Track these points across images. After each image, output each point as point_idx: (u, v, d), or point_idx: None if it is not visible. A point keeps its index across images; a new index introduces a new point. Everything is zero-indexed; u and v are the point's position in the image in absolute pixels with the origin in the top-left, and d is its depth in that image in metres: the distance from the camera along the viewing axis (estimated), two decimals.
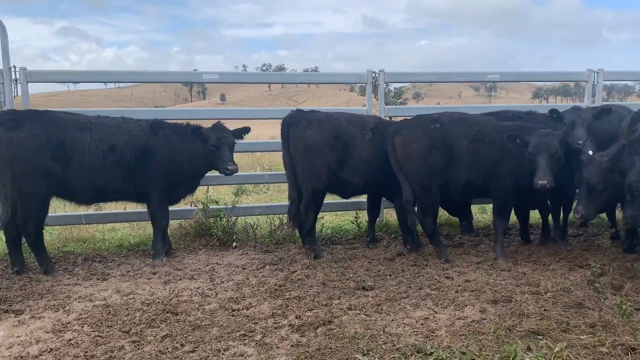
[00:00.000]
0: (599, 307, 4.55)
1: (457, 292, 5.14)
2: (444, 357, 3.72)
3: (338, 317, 4.50)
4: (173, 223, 7.24)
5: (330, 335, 4.13)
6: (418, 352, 3.83)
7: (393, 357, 3.78)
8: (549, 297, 4.88)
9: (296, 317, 4.52)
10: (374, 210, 7.16)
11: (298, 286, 5.34)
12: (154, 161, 6.11)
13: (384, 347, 3.92)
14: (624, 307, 4.09)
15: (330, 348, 3.91)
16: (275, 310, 4.70)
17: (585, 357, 3.72)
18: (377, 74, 7.67)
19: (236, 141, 6.55)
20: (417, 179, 6.02)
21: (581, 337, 4.00)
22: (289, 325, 4.38)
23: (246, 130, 6.72)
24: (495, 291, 5.11)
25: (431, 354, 3.78)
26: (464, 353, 3.79)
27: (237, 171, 6.47)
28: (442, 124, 6.03)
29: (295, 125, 6.29)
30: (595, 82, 8.08)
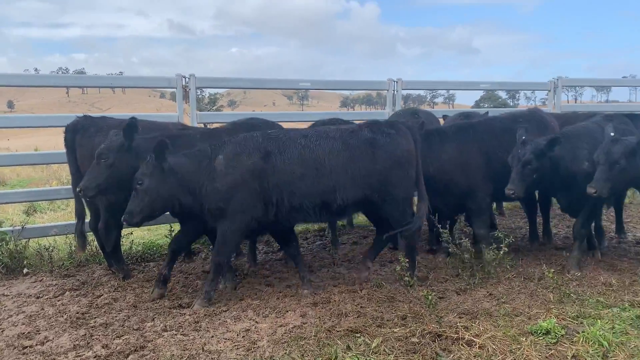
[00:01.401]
0: (408, 300, 4.81)
1: (278, 299, 5.06)
2: None
3: (152, 340, 4.10)
4: None
5: None
6: None
7: None
8: (364, 295, 5.05)
9: (103, 347, 4.01)
10: None
11: (105, 312, 4.79)
12: None
13: None
14: (429, 297, 4.37)
15: None
16: (77, 342, 4.13)
17: (399, 349, 3.87)
18: (187, 79, 7.30)
19: (26, 153, 5.67)
20: None
21: (394, 330, 4.18)
22: (95, 357, 3.86)
23: None
24: (315, 293, 5.14)
25: None
26: None
27: None
28: None
29: (82, 133, 5.65)
30: (395, 91, 8.74)
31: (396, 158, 5.12)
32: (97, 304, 5.00)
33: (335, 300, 4.90)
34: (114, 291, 5.34)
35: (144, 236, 7.85)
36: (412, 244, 5.46)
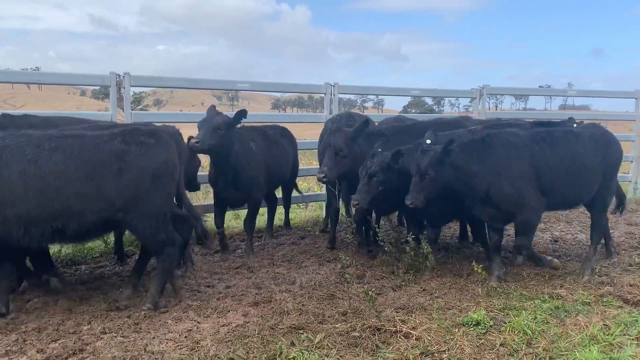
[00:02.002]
0: (348, 296, 4.96)
1: (219, 299, 5.06)
2: None
3: (90, 343, 4.00)
4: None
5: None
6: None
7: None
8: (305, 293, 5.16)
9: (38, 351, 3.86)
10: None
11: (36, 317, 4.60)
12: None
13: None
14: (369, 293, 4.54)
15: None
16: (9, 348, 3.95)
17: (341, 343, 4.00)
18: (122, 77, 7.13)
19: None
20: None
21: (336, 325, 4.31)
22: None
23: None
24: (256, 294, 5.20)
25: None
26: (231, 358, 3.73)
27: None
28: None
29: None
30: (332, 95, 8.92)
31: (150, 171, 4.55)
32: (26, 309, 4.79)
33: (276, 300, 4.98)
34: (44, 296, 5.13)
35: None
36: (167, 267, 4.84)
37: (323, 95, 9.01)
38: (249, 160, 6.51)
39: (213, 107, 6.43)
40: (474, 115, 10.50)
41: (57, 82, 8.00)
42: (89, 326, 4.36)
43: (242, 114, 6.24)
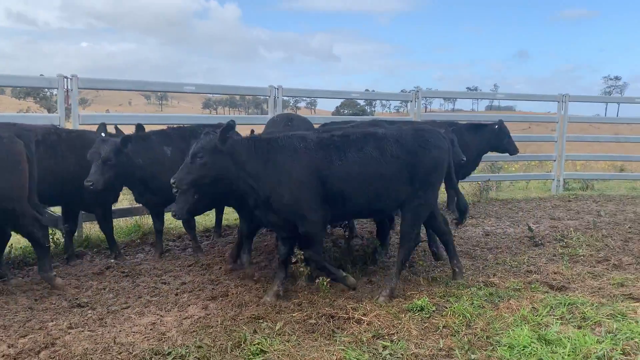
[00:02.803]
0: (301, 289, 5.30)
1: (177, 295, 5.28)
2: (183, 353, 3.85)
3: (60, 337, 4.14)
4: None
5: (58, 356, 3.79)
6: (156, 354, 3.86)
7: None
8: (260, 287, 5.45)
9: (9, 346, 3.97)
10: (69, 224, 6.63)
11: None
12: None
13: (119, 357, 3.81)
14: (324, 283, 4.89)
15: None
16: None
17: (300, 330, 4.34)
18: (69, 79, 7.16)
19: None
20: None
21: (293, 314, 4.64)
22: (3, 356, 3.83)
23: None
24: (213, 288, 5.44)
25: (169, 353, 3.86)
26: (199, 347, 3.99)
27: None
28: None
29: None
30: (276, 97, 9.23)
31: None
32: None
33: (233, 293, 5.24)
34: (3, 295, 5.16)
35: (20, 240, 7.47)
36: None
37: (267, 97, 9.35)
38: (159, 169, 6.31)
39: (103, 125, 6.31)
40: (410, 117, 11.12)
41: (7, 84, 7.85)
42: (55, 322, 4.49)
43: (126, 140, 6.03)
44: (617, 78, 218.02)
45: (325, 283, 4.89)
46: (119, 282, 5.69)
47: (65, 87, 7.15)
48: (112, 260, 6.52)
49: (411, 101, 11.14)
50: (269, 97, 9.23)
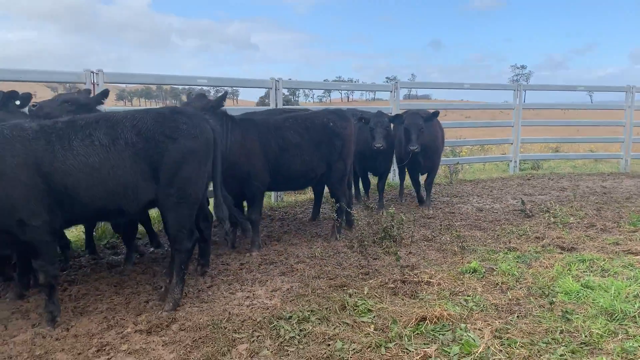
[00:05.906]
0: (357, 262, 5.92)
1: (248, 273, 5.69)
2: (304, 315, 4.35)
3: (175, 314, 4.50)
4: None
5: (188, 328, 4.19)
6: (279, 318, 4.32)
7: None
8: (315, 264, 5.93)
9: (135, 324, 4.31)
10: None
11: None
12: None
13: (243, 324, 4.25)
14: (398, 253, 5.52)
15: None
16: None
17: (384, 293, 4.92)
18: (96, 74, 7.32)
19: None
20: None
21: (369, 281, 5.22)
22: (136, 332, 4.19)
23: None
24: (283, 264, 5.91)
25: (290, 317, 4.34)
26: (311, 310, 4.48)
27: None
28: None
29: None
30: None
31: None
32: None
33: (297, 269, 5.73)
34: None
35: None
36: None
37: (269, 89, 9.78)
38: None
39: None
40: (390, 106, 11.87)
41: (37, 79, 7.59)
42: (152, 304, 4.81)
43: None
44: (522, 67, 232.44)
45: (398, 252, 5.49)
46: None
47: (92, 81, 7.25)
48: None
49: (391, 91, 11.90)
50: (271, 88, 9.65)
